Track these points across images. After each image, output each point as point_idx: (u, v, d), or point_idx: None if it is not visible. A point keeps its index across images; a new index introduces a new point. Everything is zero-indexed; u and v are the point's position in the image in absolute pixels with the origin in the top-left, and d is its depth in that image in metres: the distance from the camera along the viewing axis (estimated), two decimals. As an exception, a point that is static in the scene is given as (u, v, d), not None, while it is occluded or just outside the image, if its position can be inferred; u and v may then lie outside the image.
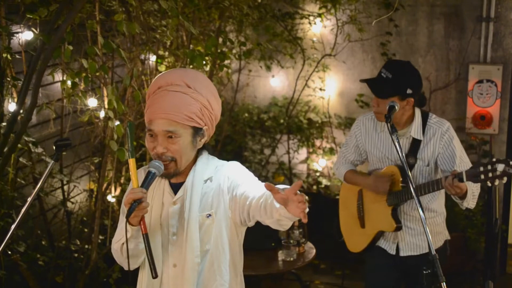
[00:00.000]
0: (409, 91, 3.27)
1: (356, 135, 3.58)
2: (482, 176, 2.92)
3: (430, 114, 3.41)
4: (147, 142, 2.29)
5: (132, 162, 2.22)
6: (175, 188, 2.36)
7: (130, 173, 2.23)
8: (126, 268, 2.38)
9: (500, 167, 2.85)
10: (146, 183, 2.17)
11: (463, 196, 3.12)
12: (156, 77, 2.35)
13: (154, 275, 2.17)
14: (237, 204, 2.29)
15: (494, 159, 2.90)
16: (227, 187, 2.33)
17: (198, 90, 2.28)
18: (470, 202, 3.19)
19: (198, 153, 2.37)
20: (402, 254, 3.45)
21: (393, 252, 3.47)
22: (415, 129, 3.35)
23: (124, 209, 2.40)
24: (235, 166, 2.39)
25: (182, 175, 2.34)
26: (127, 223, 2.14)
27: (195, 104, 2.26)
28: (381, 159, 3.47)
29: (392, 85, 3.27)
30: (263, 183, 2.27)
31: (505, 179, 2.87)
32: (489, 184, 2.89)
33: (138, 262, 2.34)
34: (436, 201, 3.44)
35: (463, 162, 3.31)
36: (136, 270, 2.44)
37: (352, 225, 3.67)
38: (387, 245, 3.49)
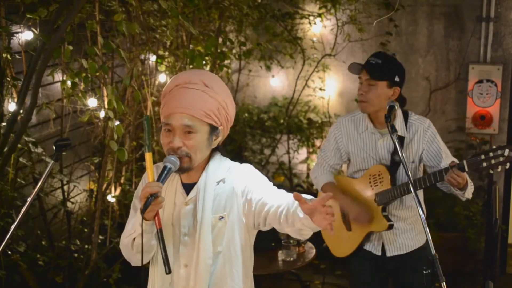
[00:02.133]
0: (397, 78, 3.32)
1: (336, 138, 3.52)
2: (484, 164, 2.93)
3: (409, 112, 3.42)
4: (163, 137, 2.28)
5: (148, 156, 2.21)
6: (187, 188, 2.35)
7: (146, 167, 2.22)
8: (133, 264, 2.38)
9: (506, 152, 2.86)
10: (162, 178, 2.16)
11: (464, 187, 3.12)
12: (174, 77, 2.36)
13: (168, 271, 2.16)
14: (252, 209, 2.29)
15: (494, 146, 2.92)
16: (241, 191, 2.32)
17: (215, 90, 2.29)
18: (469, 192, 3.20)
19: (211, 153, 2.36)
20: (388, 254, 3.43)
21: (378, 253, 3.44)
22: (399, 126, 3.34)
23: (135, 204, 2.40)
24: (249, 170, 2.38)
25: (194, 175, 2.33)
26: (142, 218, 2.13)
27: (213, 102, 2.27)
28: (365, 159, 3.44)
29: (383, 69, 3.31)
30: (282, 190, 2.30)
31: (508, 165, 2.89)
32: (491, 172, 2.89)
33: (148, 257, 2.32)
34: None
35: (448, 157, 3.33)
36: (138, 269, 2.42)
37: (337, 230, 3.57)
38: (372, 246, 3.46)
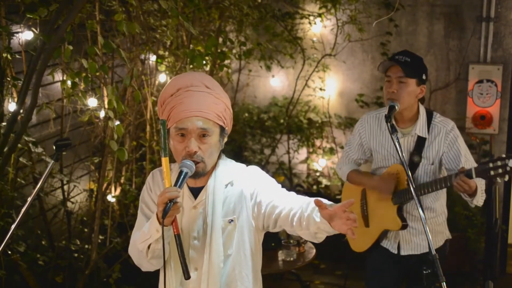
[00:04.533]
0: (424, 76, 3.33)
1: (360, 134, 3.56)
2: (492, 172, 2.91)
3: (434, 113, 3.42)
4: (176, 143, 2.24)
5: (165, 161, 2.16)
6: (195, 192, 2.33)
7: (163, 171, 2.18)
8: (144, 269, 2.35)
9: (511, 162, 2.84)
10: (179, 183, 2.13)
11: (472, 194, 3.11)
12: (171, 80, 2.33)
13: (187, 276, 2.14)
14: (262, 212, 2.28)
15: (503, 155, 2.91)
16: (250, 194, 2.31)
17: (218, 92, 2.29)
18: (480, 199, 3.19)
19: (218, 156, 2.35)
20: (402, 253, 3.45)
21: (395, 251, 3.47)
22: (420, 127, 3.35)
23: (143, 209, 2.37)
24: (257, 172, 2.38)
25: (202, 179, 2.31)
26: (161, 224, 2.09)
27: (220, 103, 2.27)
28: (386, 157, 3.46)
29: (414, 66, 3.29)
30: (292, 192, 2.29)
31: None
32: (499, 180, 2.88)
33: (161, 263, 2.28)
34: (438, 201, 3.44)
35: (468, 161, 3.31)
36: (138, 269, 2.41)
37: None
38: (389, 244, 3.49)
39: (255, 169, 2.38)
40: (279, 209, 2.23)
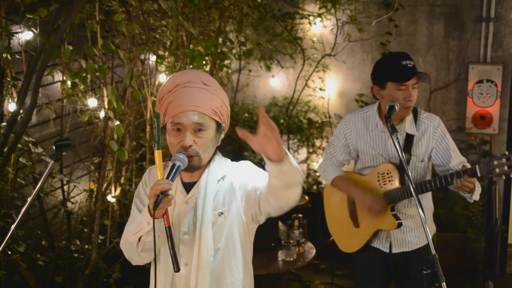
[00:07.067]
0: None
1: (345, 134, 3.52)
2: (497, 170, 2.90)
3: (418, 109, 3.42)
4: (171, 138, 2.27)
5: (158, 154, 2.19)
6: (187, 187, 2.35)
7: (156, 164, 2.20)
8: (134, 263, 2.36)
9: None
10: (172, 176, 2.15)
11: (471, 190, 3.10)
12: (170, 77, 2.36)
13: (176, 269, 2.15)
14: (249, 199, 2.29)
15: (506, 152, 2.90)
16: (239, 185, 2.32)
17: (215, 88, 2.32)
18: (477, 193, 3.19)
19: (214, 152, 2.37)
20: (394, 251, 3.45)
21: (386, 250, 3.47)
22: (408, 125, 3.35)
23: (137, 204, 2.40)
24: (247, 165, 2.39)
25: (195, 174, 2.33)
26: (153, 216, 2.10)
27: (217, 100, 2.30)
28: (374, 157, 3.44)
29: (416, 71, 3.30)
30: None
31: None
32: (504, 177, 2.87)
33: (151, 256, 2.30)
34: (425, 197, 3.43)
35: (457, 155, 3.32)
36: (138, 269, 2.42)
37: (344, 226, 3.60)
38: (381, 243, 3.48)
39: (245, 163, 2.40)
40: (259, 190, 2.23)
